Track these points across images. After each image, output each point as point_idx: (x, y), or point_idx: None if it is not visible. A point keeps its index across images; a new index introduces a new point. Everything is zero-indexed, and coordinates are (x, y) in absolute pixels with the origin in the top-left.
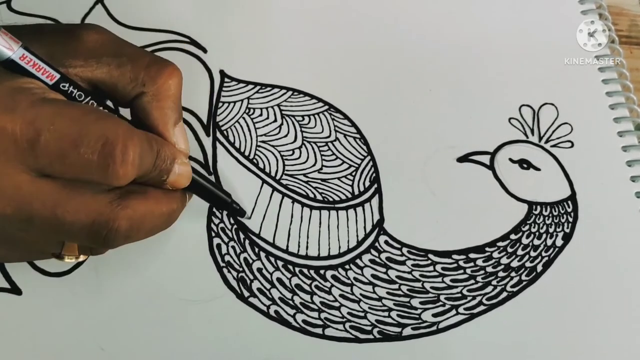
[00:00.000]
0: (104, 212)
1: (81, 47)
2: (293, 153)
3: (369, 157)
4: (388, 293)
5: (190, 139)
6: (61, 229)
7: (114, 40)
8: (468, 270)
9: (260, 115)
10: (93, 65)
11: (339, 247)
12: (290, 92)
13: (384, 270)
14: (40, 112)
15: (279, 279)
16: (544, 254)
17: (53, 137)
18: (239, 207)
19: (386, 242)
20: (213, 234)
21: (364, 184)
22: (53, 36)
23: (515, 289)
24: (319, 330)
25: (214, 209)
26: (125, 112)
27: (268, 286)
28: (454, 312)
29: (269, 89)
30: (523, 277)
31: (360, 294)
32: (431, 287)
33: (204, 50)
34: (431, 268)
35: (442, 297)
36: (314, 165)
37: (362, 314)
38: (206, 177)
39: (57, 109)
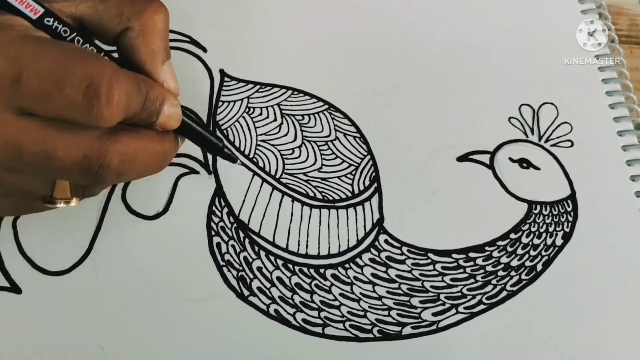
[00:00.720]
0: (94, 146)
1: None
2: (293, 152)
3: (369, 157)
4: (388, 292)
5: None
6: (52, 165)
7: None
8: (468, 270)
9: (261, 114)
10: (77, 0)
11: (339, 246)
12: (290, 92)
13: (384, 269)
14: (23, 49)
15: (279, 278)
16: (544, 253)
17: (36, 75)
18: (231, 153)
19: (386, 242)
20: (213, 233)
21: (364, 183)
22: None
23: (515, 289)
24: (319, 330)
25: (214, 208)
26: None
27: (268, 285)
28: (454, 311)
29: (269, 88)
30: (523, 277)
31: (361, 293)
32: (431, 287)
33: (204, 50)
34: (431, 267)
35: (442, 297)
36: (314, 164)
37: (362, 313)
38: (197, 120)
39: (40, 47)
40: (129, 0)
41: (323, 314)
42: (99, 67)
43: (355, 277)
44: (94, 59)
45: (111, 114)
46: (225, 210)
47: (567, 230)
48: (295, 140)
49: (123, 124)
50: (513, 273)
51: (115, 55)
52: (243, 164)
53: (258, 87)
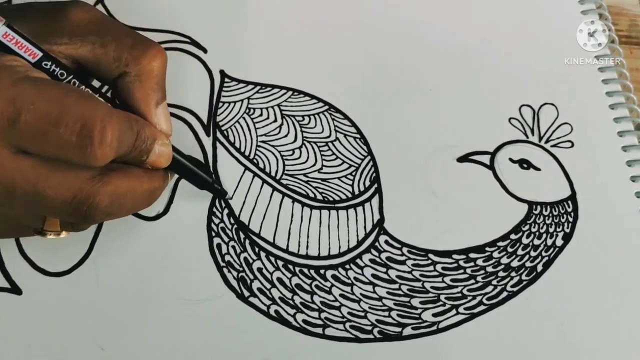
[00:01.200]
0: (84, 187)
1: (66, 25)
2: (293, 153)
3: (369, 157)
4: (388, 293)
5: (190, 139)
6: (42, 204)
7: (100, 18)
8: (468, 270)
9: (261, 115)
10: (77, 43)
11: (339, 247)
12: (290, 92)
13: (384, 270)
14: (21, 90)
15: (279, 279)
16: (544, 253)
17: (33, 116)
18: (221, 188)
19: (386, 242)
20: (213, 234)
21: (364, 183)
22: (39, 14)
23: (515, 289)
24: (319, 330)
25: (214, 209)
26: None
27: (268, 286)
28: (454, 311)
29: (269, 89)
30: (523, 277)
31: (361, 294)
32: (431, 287)
33: (204, 50)
34: (431, 268)
35: (442, 297)
36: (314, 165)
37: (362, 314)
38: (188, 157)
39: (38, 88)
40: (127, 45)
41: (323, 315)
42: (93, 108)
43: (355, 278)
44: (88, 101)
45: (103, 153)
46: (226, 211)
47: (567, 230)
48: (295, 140)
49: (114, 162)
50: (513, 273)
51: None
52: (243, 165)
53: (258, 87)
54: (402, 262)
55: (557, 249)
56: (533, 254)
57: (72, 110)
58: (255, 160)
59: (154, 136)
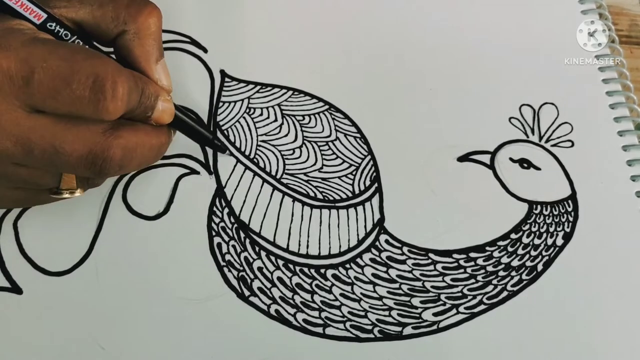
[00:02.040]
0: (99, 141)
1: None
2: (293, 152)
3: (369, 157)
4: (389, 292)
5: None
6: (60, 160)
7: None
8: (468, 270)
9: (261, 114)
10: (76, 5)
11: (340, 246)
12: (290, 92)
13: (384, 269)
14: (33, 50)
15: (279, 278)
16: (544, 253)
17: (46, 74)
18: (221, 143)
19: (387, 241)
20: (213, 233)
21: (364, 183)
22: None
23: (515, 288)
24: (319, 330)
25: (215, 208)
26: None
27: (268, 285)
28: (454, 311)
29: (269, 88)
30: (523, 277)
31: (361, 293)
32: (432, 286)
33: (205, 50)
34: (432, 267)
35: (442, 296)
36: (314, 164)
37: (362, 313)
38: (188, 114)
39: (48, 47)
40: (124, 4)
41: (323, 314)
42: (103, 64)
43: (355, 277)
44: (98, 57)
45: (115, 107)
46: (226, 210)
47: (568, 230)
48: (295, 140)
49: (122, 119)
50: (513, 273)
51: (113, 56)
52: (243, 164)
53: (258, 87)
54: (403, 262)
55: (557, 248)
56: (533, 253)
57: (84, 67)
58: (255, 160)
59: (157, 92)
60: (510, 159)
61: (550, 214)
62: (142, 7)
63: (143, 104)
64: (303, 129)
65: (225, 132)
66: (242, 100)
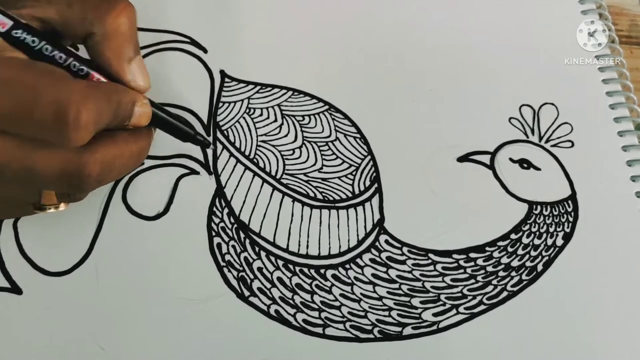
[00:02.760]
0: (73, 159)
1: None
2: (293, 153)
3: (369, 157)
4: (388, 292)
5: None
6: (34, 180)
7: None
8: (468, 270)
9: (261, 115)
10: (44, 4)
11: (340, 247)
12: (290, 92)
13: (384, 269)
14: None
15: (279, 278)
16: (544, 253)
17: (7, 101)
18: (203, 139)
19: (386, 242)
20: (213, 234)
21: (364, 183)
22: None
23: (515, 289)
24: (319, 330)
25: (214, 209)
26: None
27: (268, 285)
28: (454, 311)
29: (269, 89)
30: (523, 277)
31: (361, 294)
32: (431, 287)
33: (204, 50)
34: (431, 267)
35: (442, 297)
36: (314, 164)
37: (362, 314)
38: (166, 110)
39: (11, 73)
40: (91, 5)
41: (323, 314)
42: (67, 91)
43: (355, 277)
44: (62, 82)
45: (79, 136)
46: (226, 210)
47: (568, 230)
48: (295, 140)
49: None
50: (513, 273)
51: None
52: (243, 164)
53: (258, 87)
54: (403, 262)
55: (557, 248)
56: (533, 253)
57: (46, 94)
58: (255, 160)
59: (133, 99)
60: (510, 159)
61: (550, 214)
62: (111, 7)
63: (119, 117)
64: (303, 129)
65: (225, 132)
66: (242, 100)
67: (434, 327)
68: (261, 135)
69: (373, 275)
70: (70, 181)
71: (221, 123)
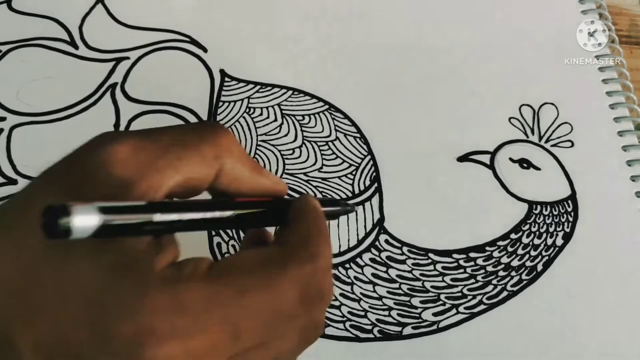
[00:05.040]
0: (310, 325)
1: (105, 177)
2: (293, 152)
3: (369, 157)
4: (388, 292)
5: None
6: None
7: (140, 145)
8: (468, 270)
9: (261, 114)
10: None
11: (340, 246)
12: (290, 92)
13: (384, 269)
14: (228, 308)
15: None
16: (544, 253)
17: (249, 320)
18: (350, 207)
19: (386, 241)
20: (213, 233)
21: (364, 183)
22: (76, 177)
23: (515, 288)
24: None
25: None
26: None
27: None
28: (454, 311)
29: (269, 88)
30: (523, 277)
31: (361, 293)
32: (431, 286)
33: (204, 50)
34: (431, 267)
35: (442, 296)
36: (314, 164)
37: (362, 313)
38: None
39: (232, 290)
40: (203, 137)
41: None
42: (303, 263)
43: (355, 277)
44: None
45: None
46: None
47: (567, 230)
48: (295, 140)
49: None
50: (513, 273)
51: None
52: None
53: (258, 87)
54: (402, 262)
55: (557, 248)
56: (533, 253)
57: (284, 292)
58: (255, 159)
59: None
60: (510, 159)
61: (550, 214)
62: (217, 130)
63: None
64: (303, 128)
65: None
66: (242, 100)
67: (434, 327)
68: (261, 134)
69: (373, 274)
70: (310, 339)
71: (221, 122)
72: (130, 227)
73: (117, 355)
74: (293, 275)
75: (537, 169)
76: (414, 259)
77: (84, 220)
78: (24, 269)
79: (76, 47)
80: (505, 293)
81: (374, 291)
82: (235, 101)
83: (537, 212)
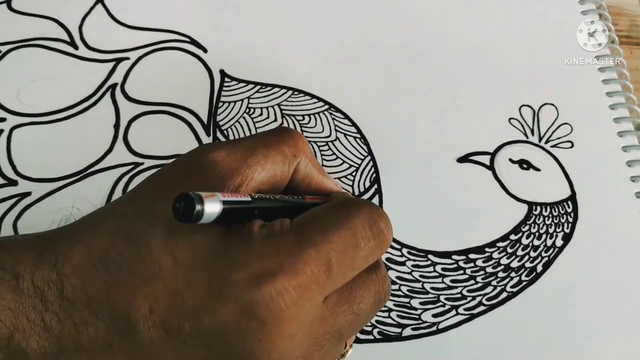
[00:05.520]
0: (379, 278)
1: (213, 174)
2: None
3: (369, 157)
4: None
5: (190, 139)
6: (361, 324)
7: (232, 149)
8: (468, 271)
9: (261, 114)
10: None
11: None
12: (290, 92)
13: None
14: (312, 241)
15: None
16: (543, 254)
17: (339, 252)
18: None
19: None
20: None
21: (364, 183)
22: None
23: (515, 290)
24: None
25: None
26: None
27: None
28: (453, 312)
29: (269, 88)
30: (523, 278)
31: None
32: (431, 288)
33: (204, 50)
34: (431, 268)
35: (442, 298)
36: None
37: None
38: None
39: (317, 227)
40: (283, 140)
41: None
42: (361, 205)
43: None
44: (350, 202)
45: (391, 232)
46: None
47: (567, 231)
48: None
49: None
50: (513, 274)
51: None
52: None
53: (258, 87)
54: (402, 263)
55: (557, 249)
56: (533, 254)
57: (355, 220)
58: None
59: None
60: (510, 159)
61: (550, 215)
62: (294, 135)
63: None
64: (303, 129)
65: (225, 132)
66: (242, 100)
67: (434, 328)
68: None
69: None
70: (382, 300)
71: (221, 123)
72: (237, 215)
73: (236, 300)
74: (359, 213)
75: (537, 169)
76: (414, 260)
77: (211, 207)
78: (132, 242)
79: (76, 48)
80: (505, 294)
81: None
82: (235, 101)
83: (536, 213)
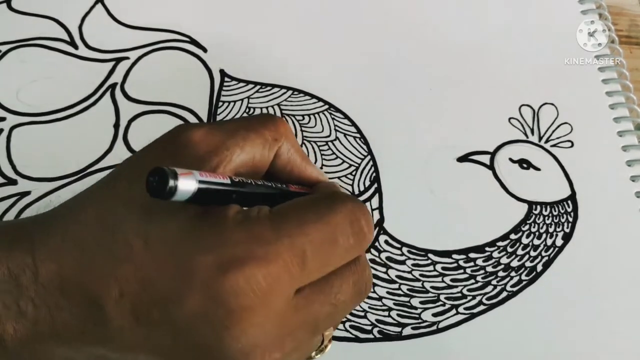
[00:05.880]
0: (358, 268)
1: (194, 153)
2: None
3: (369, 157)
4: (388, 292)
5: None
6: (340, 317)
7: (211, 130)
8: (468, 270)
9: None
10: (237, 153)
11: None
12: (290, 92)
13: (384, 269)
14: (291, 231)
15: None
16: (543, 253)
17: (314, 245)
18: None
19: (386, 242)
20: None
21: (364, 183)
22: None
23: (515, 289)
24: None
25: None
26: None
27: None
28: (454, 311)
29: (269, 88)
30: (523, 277)
31: None
32: (431, 287)
33: (204, 50)
34: (431, 268)
35: (442, 297)
36: (314, 164)
37: (362, 314)
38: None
39: (297, 218)
40: (264, 125)
41: None
42: (349, 201)
43: None
44: (341, 197)
45: (371, 231)
46: None
47: (567, 230)
48: None
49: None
50: (513, 273)
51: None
52: None
53: (258, 87)
54: (402, 262)
55: (557, 249)
56: (533, 253)
57: (336, 216)
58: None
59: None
60: (510, 159)
61: (550, 215)
62: (275, 120)
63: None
64: (303, 128)
65: None
66: (242, 100)
67: (434, 327)
68: None
69: (373, 275)
70: (362, 292)
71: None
72: (214, 197)
73: (204, 286)
74: (342, 208)
75: (537, 169)
76: (414, 259)
77: (186, 184)
78: (108, 226)
79: (76, 47)
80: (505, 293)
81: (374, 292)
82: (235, 101)
83: (536, 212)
